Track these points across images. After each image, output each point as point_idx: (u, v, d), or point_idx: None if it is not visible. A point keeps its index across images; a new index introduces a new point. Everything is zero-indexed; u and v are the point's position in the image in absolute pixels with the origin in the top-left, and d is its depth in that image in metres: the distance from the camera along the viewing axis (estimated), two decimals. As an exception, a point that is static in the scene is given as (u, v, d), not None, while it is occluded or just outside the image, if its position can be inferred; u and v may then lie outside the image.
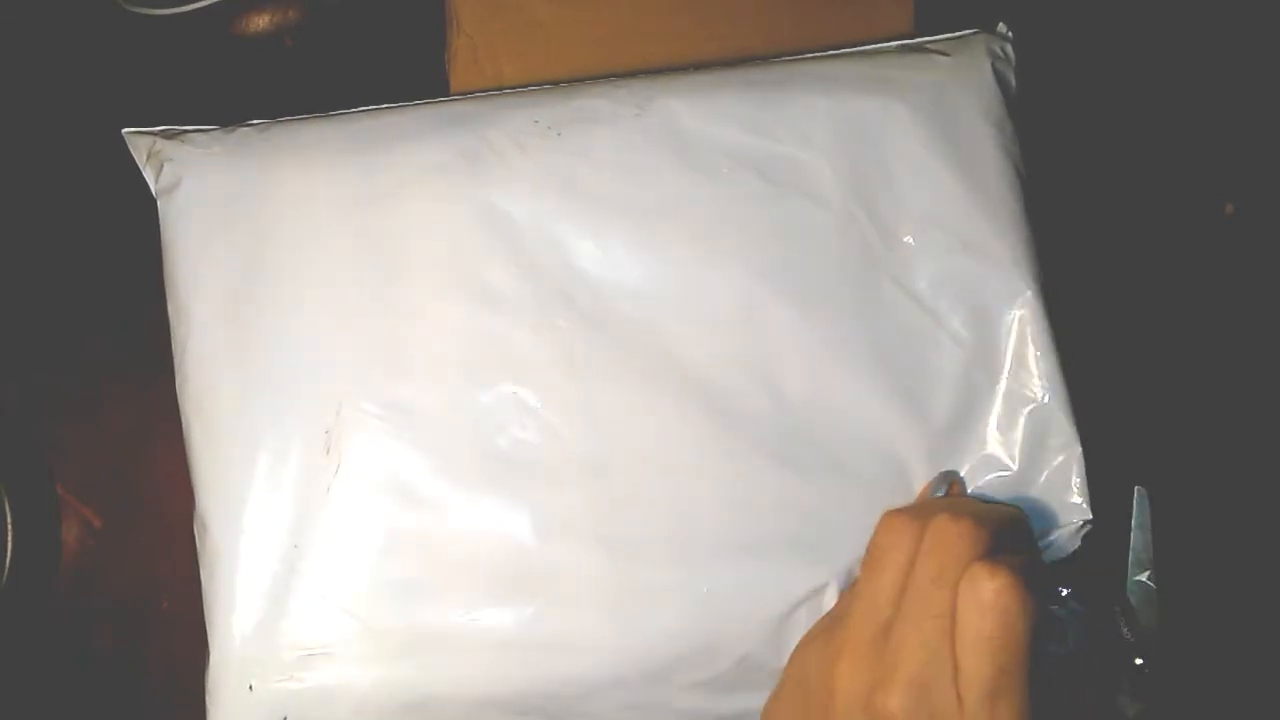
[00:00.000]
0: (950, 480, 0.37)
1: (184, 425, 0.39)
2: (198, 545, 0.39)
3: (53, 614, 0.46)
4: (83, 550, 0.47)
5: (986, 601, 0.30)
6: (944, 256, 0.38)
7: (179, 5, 0.47)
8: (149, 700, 0.46)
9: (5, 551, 0.45)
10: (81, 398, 0.47)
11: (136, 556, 0.46)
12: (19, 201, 0.48)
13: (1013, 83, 0.41)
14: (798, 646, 0.35)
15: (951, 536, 0.31)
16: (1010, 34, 0.41)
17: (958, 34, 0.42)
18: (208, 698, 0.38)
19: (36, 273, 0.48)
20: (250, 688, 0.37)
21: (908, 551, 0.32)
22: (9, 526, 0.45)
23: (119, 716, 0.46)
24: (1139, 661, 0.35)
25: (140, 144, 0.41)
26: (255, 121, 0.42)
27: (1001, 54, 0.41)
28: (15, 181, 0.48)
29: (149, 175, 0.41)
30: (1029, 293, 0.38)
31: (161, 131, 0.41)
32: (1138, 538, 0.37)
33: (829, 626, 0.34)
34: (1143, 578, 0.37)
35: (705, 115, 0.39)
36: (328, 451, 0.38)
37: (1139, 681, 0.35)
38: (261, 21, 0.49)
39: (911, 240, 0.38)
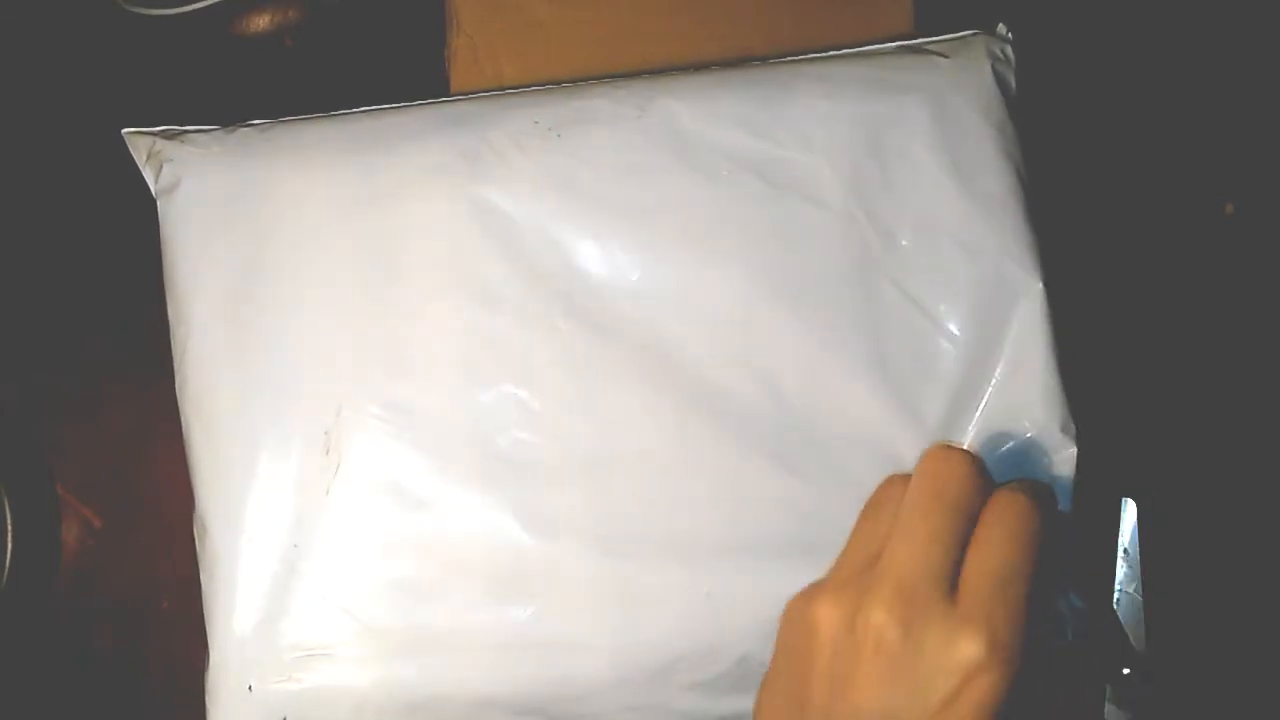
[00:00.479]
0: None
1: (184, 426, 0.39)
2: (197, 546, 0.39)
3: (53, 614, 0.46)
4: (83, 550, 0.47)
5: (1012, 509, 0.30)
6: (943, 258, 0.38)
7: (179, 5, 0.47)
8: (149, 700, 0.46)
9: (5, 551, 0.45)
10: (81, 398, 0.47)
11: (136, 556, 0.46)
12: (19, 201, 0.48)
13: (1013, 84, 0.40)
14: (781, 616, 0.33)
15: (949, 459, 0.31)
16: (1010, 35, 0.41)
17: (957, 35, 0.42)
18: (208, 698, 0.38)
19: (37, 273, 0.48)
20: (250, 688, 0.37)
21: (901, 498, 0.32)
22: (9, 526, 0.45)
23: (119, 716, 0.46)
24: (1126, 671, 0.35)
25: (140, 144, 0.41)
26: (255, 122, 0.42)
27: (1001, 55, 0.41)
28: (15, 181, 0.48)
29: (149, 175, 0.41)
30: (1027, 295, 0.38)
31: (161, 132, 0.41)
32: (1126, 550, 0.37)
33: (810, 585, 0.33)
34: (1130, 590, 0.37)
35: (705, 116, 0.39)
36: (327, 452, 0.38)
37: (1126, 691, 0.35)
38: (261, 21, 0.49)
39: (911, 242, 0.38)
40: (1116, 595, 0.37)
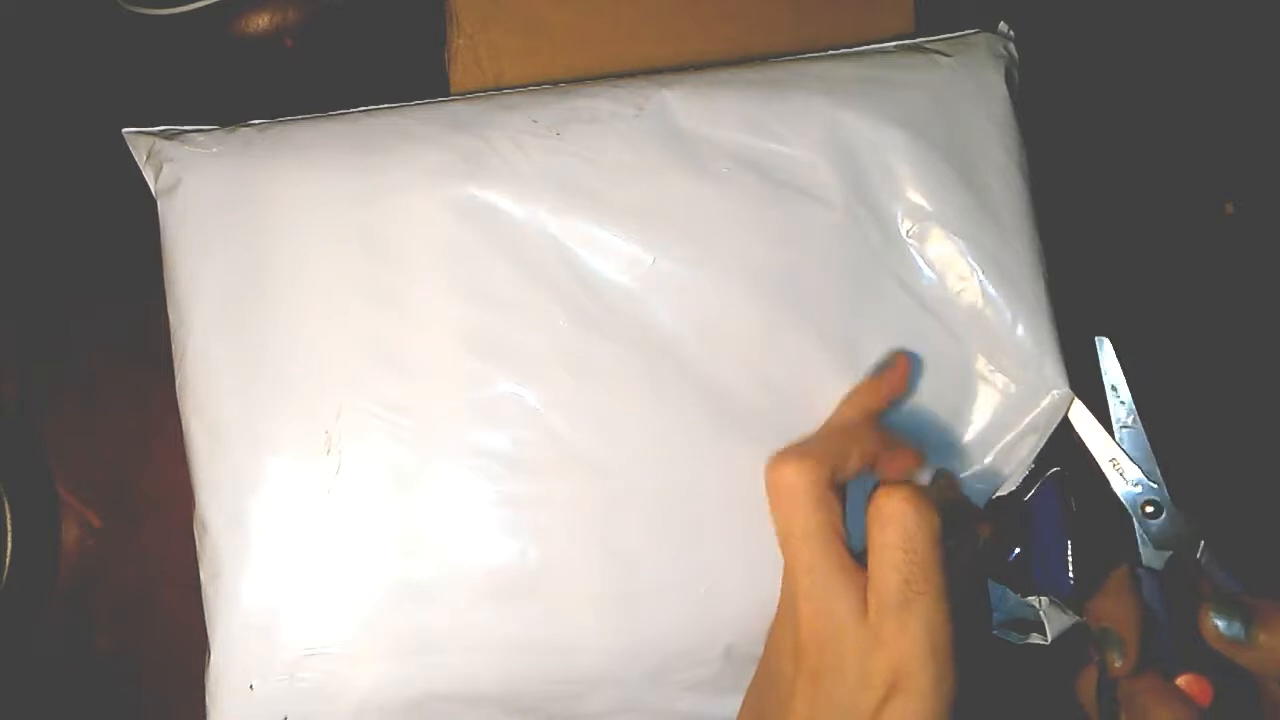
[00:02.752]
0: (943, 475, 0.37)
1: (184, 426, 0.39)
2: (198, 545, 0.39)
3: (53, 614, 0.46)
4: (83, 550, 0.47)
5: (885, 513, 0.31)
6: (946, 256, 0.38)
7: (179, 5, 0.47)
8: (149, 700, 0.46)
9: (5, 551, 0.45)
10: (81, 398, 0.47)
11: (136, 556, 0.46)
12: (19, 201, 0.48)
13: (1015, 82, 0.40)
14: None
15: (782, 479, 0.33)
16: (1012, 33, 0.41)
17: (959, 34, 0.42)
18: (208, 698, 0.38)
19: (37, 272, 0.48)
20: (251, 687, 0.37)
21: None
22: (9, 526, 0.45)
23: (119, 716, 0.46)
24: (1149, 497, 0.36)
25: (140, 144, 0.41)
26: (255, 122, 0.41)
27: (1003, 53, 0.40)
28: (15, 181, 0.48)
29: (149, 175, 0.41)
30: (1031, 293, 0.38)
31: (161, 132, 0.41)
32: (1114, 386, 0.37)
33: None
34: (1130, 423, 0.37)
35: (705, 116, 0.39)
36: (328, 452, 0.38)
37: (1149, 524, 0.36)
38: (261, 21, 0.49)
39: (913, 240, 0.38)
40: (1118, 432, 0.37)
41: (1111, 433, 0.37)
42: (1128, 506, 0.36)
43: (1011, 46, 0.41)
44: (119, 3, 0.47)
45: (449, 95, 0.44)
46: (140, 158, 0.41)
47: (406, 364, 0.38)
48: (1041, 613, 0.37)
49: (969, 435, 0.38)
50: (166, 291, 0.40)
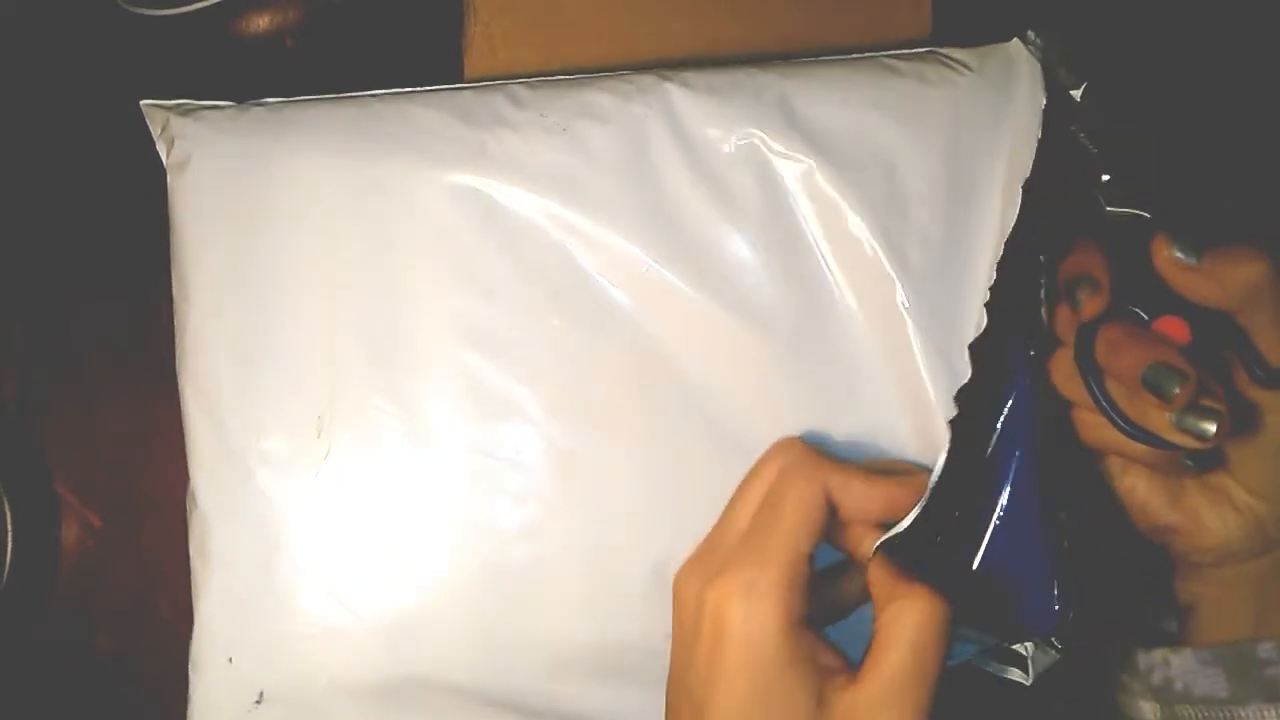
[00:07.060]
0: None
1: (181, 401, 0.39)
2: (189, 519, 0.39)
3: (53, 614, 0.46)
4: (83, 550, 0.47)
5: (907, 618, 0.32)
6: (948, 282, 0.37)
7: (179, 5, 0.47)
8: (148, 700, 0.46)
9: (5, 551, 0.45)
10: (81, 397, 0.47)
11: (136, 556, 0.46)
12: (19, 202, 0.48)
13: (1042, 100, 0.38)
14: None
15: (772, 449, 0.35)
16: (1041, 43, 0.39)
17: (985, 46, 0.40)
18: (190, 667, 0.38)
19: (37, 272, 0.48)
20: (230, 660, 0.37)
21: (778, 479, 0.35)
22: (9, 526, 0.45)
23: (118, 716, 0.46)
24: (1105, 178, 0.36)
25: (156, 117, 0.41)
26: (269, 100, 0.41)
27: (1030, 68, 0.38)
28: (15, 183, 0.48)
29: (162, 150, 0.41)
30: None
31: (176, 106, 0.41)
32: (1060, 74, 0.37)
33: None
34: (1079, 91, 0.37)
35: (713, 119, 0.38)
36: (319, 435, 0.38)
37: (1111, 192, 0.35)
38: (261, 22, 0.49)
39: (919, 263, 0.37)
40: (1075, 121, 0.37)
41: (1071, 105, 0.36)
42: (1085, 179, 0.36)
43: (1039, 61, 0.39)
44: (119, 3, 0.47)
45: (462, 81, 0.43)
46: (155, 130, 0.41)
47: (400, 353, 0.38)
48: (1029, 659, 0.37)
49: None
50: (172, 267, 0.40)
